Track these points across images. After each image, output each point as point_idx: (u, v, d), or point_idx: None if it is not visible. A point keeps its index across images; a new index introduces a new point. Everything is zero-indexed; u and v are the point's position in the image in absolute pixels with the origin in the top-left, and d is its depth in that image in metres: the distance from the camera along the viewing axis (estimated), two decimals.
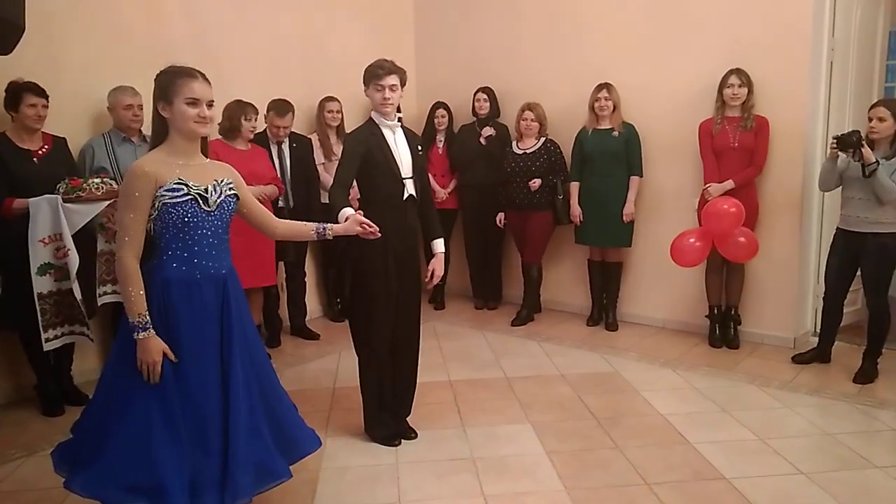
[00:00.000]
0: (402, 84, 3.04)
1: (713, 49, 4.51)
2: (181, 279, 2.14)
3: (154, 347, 2.07)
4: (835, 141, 3.76)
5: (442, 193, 5.42)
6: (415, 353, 3.31)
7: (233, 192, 2.26)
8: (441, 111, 5.46)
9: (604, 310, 5.09)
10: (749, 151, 4.28)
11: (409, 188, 3.10)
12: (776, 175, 4.40)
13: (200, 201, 2.14)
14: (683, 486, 2.79)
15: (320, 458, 3.00)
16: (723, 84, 4.31)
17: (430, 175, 5.43)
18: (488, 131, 5.23)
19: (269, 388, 2.37)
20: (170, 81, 2.13)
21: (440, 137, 5.49)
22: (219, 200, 2.19)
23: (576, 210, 4.93)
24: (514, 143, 5.17)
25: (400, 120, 3.10)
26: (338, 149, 4.75)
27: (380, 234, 2.60)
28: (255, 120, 4.23)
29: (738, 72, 4.27)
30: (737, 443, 3.16)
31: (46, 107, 3.49)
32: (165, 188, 2.09)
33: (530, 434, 3.30)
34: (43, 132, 3.56)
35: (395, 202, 3.04)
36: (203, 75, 2.18)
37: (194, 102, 2.12)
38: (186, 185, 2.12)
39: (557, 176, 5.03)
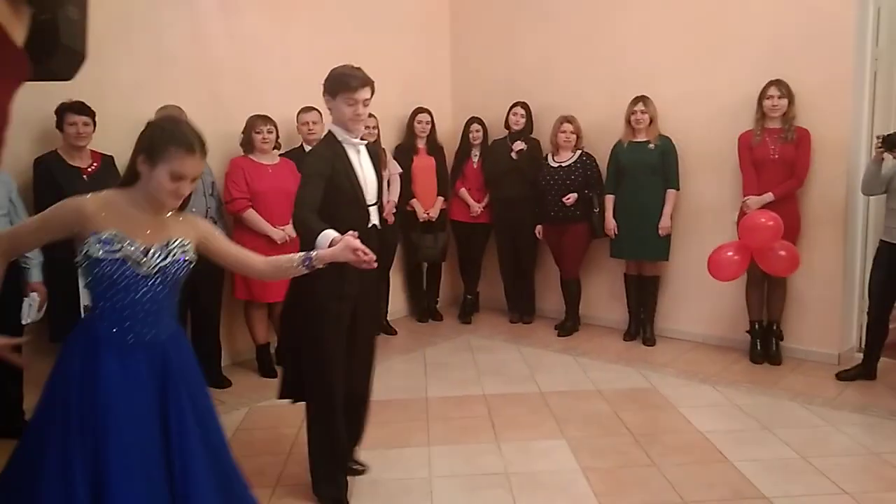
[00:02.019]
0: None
1: (753, 60, 4.46)
2: (111, 340, 1.85)
3: None
4: (879, 140, 3.67)
5: (476, 208, 5.44)
6: (367, 389, 3.01)
7: (186, 254, 1.94)
8: (476, 126, 5.49)
9: (641, 324, 5.03)
10: (790, 164, 4.20)
11: (374, 217, 2.74)
12: (818, 187, 4.31)
13: (133, 263, 1.84)
14: None
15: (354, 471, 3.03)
16: (762, 95, 4.25)
17: (464, 189, 5.48)
18: (519, 145, 5.24)
19: (228, 467, 2.05)
20: (163, 144, 1.84)
21: (475, 152, 5.52)
22: (161, 264, 1.88)
23: (610, 223, 4.90)
24: (549, 157, 5.17)
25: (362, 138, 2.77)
26: (382, 162, 4.79)
27: (376, 265, 2.20)
28: (270, 132, 4.29)
29: (777, 83, 4.21)
30: (779, 461, 3.09)
31: (88, 125, 3.61)
32: (99, 237, 1.82)
33: (565, 450, 3.28)
34: (91, 150, 3.69)
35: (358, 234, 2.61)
36: (202, 148, 1.89)
37: (179, 178, 1.85)
38: (122, 242, 1.83)
39: (593, 189, 5.01)
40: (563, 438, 3.40)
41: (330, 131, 2.71)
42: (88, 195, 1.90)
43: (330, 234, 2.30)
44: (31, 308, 3.39)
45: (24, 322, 3.37)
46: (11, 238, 1.88)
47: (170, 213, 1.96)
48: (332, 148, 2.65)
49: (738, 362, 4.45)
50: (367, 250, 2.14)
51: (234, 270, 2.21)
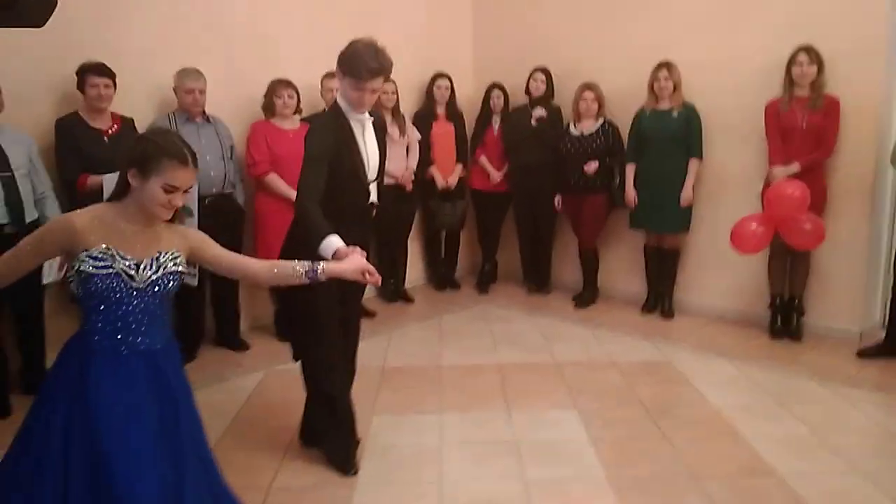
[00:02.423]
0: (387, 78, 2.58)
1: (781, 24, 4.30)
2: (105, 351, 1.86)
3: None
4: None
5: (496, 175, 5.38)
6: (353, 364, 3.00)
7: (177, 266, 1.93)
8: (497, 92, 5.40)
9: (659, 297, 4.97)
10: (817, 133, 4.08)
11: (373, 194, 2.69)
12: (846, 158, 4.17)
13: (126, 277, 1.84)
14: (732, 480, 2.72)
15: (365, 436, 3.06)
16: (791, 62, 4.11)
17: (484, 157, 5.42)
18: (539, 112, 5.15)
19: (218, 480, 2.07)
20: (155, 156, 1.82)
21: (496, 118, 5.44)
22: (153, 277, 1.87)
23: (630, 193, 4.82)
24: (571, 125, 5.08)
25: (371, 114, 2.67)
26: (394, 131, 4.76)
27: (380, 284, 2.22)
28: (290, 97, 4.27)
29: (807, 49, 4.06)
30: (792, 438, 3.05)
31: (109, 87, 3.61)
32: (89, 254, 1.80)
33: (576, 420, 3.27)
34: (112, 112, 3.70)
35: (355, 211, 2.54)
36: (193, 159, 1.88)
37: (172, 190, 1.84)
38: (113, 258, 1.82)
39: (615, 159, 4.93)
40: (575, 409, 3.39)
41: (336, 103, 2.63)
42: (77, 211, 1.87)
43: (335, 242, 2.26)
44: (52, 268, 3.44)
45: (44, 282, 3.43)
46: (8, 261, 1.86)
47: (160, 225, 1.94)
48: (336, 121, 2.59)
49: (758, 337, 4.38)
50: (374, 271, 2.11)
51: (232, 276, 2.16)
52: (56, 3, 1.72)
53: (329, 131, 2.56)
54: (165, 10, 4.16)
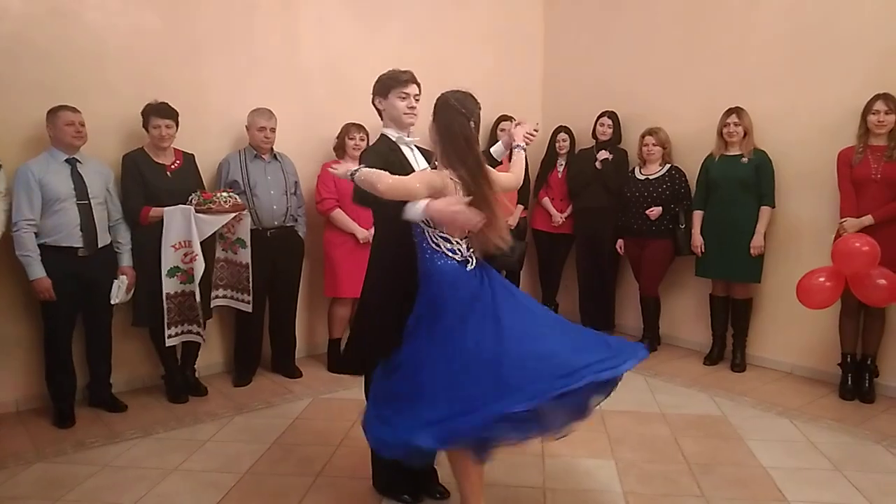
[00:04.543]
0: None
1: (857, 71, 4.12)
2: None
3: None
4: None
5: (558, 217, 5.36)
6: None
7: None
8: (563, 135, 5.42)
9: (725, 348, 4.75)
10: (893, 184, 3.84)
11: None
12: None
13: None
14: None
15: None
16: (867, 110, 3.91)
17: (547, 199, 5.41)
18: (603, 155, 5.12)
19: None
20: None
21: (560, 161, 5.44)
22: None
23: (697, 240, 4.68)
24: (636, 169, 5.02)
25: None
26: None
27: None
28: (362, 140, 4.44)
29: (885, 97, 3.86)
30: None
31: (171, 127, 3.84)
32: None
33: (612, 471, 3.17)
34: (174, 148, 3.96)
35: (408, 235, 2.50)
36: None
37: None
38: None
39: (680, 204, 4.81)
40: (612, 459, 3.29)
41: (382, 133, 2.74)
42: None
43: (422, 202, 2.33)
44: (120, 289, 3.71)
45: (112, 302, 3.70)
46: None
47: None
48: (386, 144, 2.70)
49: (826, 397, 4.11)
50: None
51: None
52: None
53: (379, 153, 2.63)
54: (246, 52, 4.47)
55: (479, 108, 2.53)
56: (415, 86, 2.71)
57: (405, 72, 2.71)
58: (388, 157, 2.62)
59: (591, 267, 5.37)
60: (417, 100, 2.71)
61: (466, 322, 2.33)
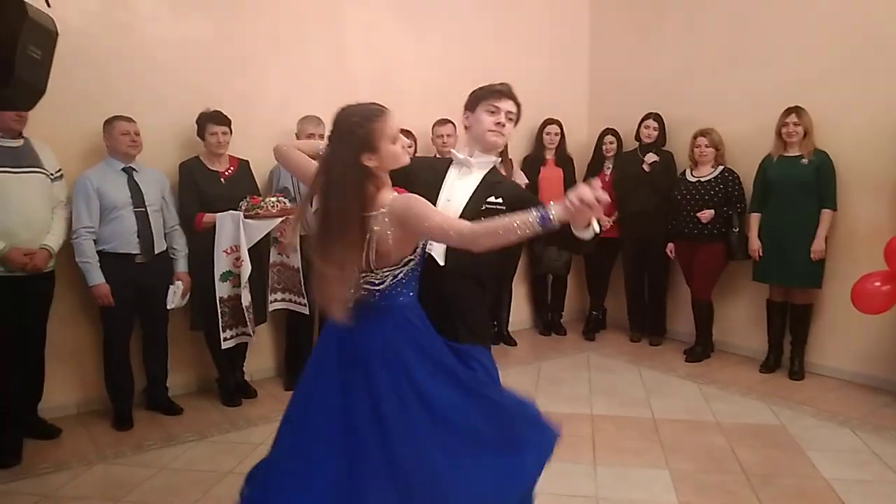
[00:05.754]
0: (515, 120, 2.28)
1: None
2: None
3: None
4: None
5: (605, 221, 5.26)
6: None
7: None
8: (609, 137, 5.35)
9: (781, 354, 4.61)
10: None
11: (434, 251, 2.12)
12: None
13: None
14: None
15: None
16: None
17: None
18: (652, 157, 5.02)
19: None
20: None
21: (608, 164, 5.37)
22: None
23: (755, 244, 4.54)
24: (687, 171, 4.91)
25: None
26: (508, 174, 4.82)
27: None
28: (409, 146, 4.43)
29: None
30: None
31: (227, 133, 3.92)
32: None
33: (666, 482, 3.10)
34: (229, 155, 4.03)
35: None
36: None
37: None
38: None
39: (733, 207, 4.69)
40: (667, 469, 3.21)
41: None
42: None
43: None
44: (176, 294, 3.79)
45: (168, 307, 3.79)
46: None
47: None
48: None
49: (889, 406, 3.95)
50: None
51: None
52: (43, 92, 1.98)
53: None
54: (295, 62, 4.53)
55: (500, 88, 2.23)
56: (510, 102, 2.25)
57: (502, 84, 2.29)
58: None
59: (639, 271, 5.28)
60: (511, 119, 2.25)
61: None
